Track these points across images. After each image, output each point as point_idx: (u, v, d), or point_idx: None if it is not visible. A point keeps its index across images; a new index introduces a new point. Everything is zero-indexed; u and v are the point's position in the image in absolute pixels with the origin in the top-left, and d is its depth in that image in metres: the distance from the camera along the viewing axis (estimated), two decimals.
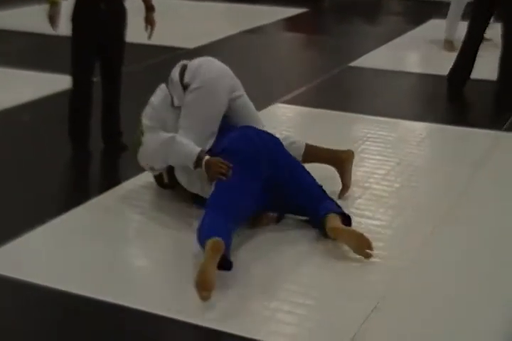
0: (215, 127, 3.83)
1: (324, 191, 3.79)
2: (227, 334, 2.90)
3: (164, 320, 2.99)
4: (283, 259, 3.47)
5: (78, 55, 4.56)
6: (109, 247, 3.57)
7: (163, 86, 3.97)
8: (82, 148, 4.69)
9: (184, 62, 4.00)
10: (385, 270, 3.38)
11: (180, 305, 3.07)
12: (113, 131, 4.80)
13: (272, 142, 3.80)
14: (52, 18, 4.48)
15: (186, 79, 3.86)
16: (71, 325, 3.02)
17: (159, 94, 3.95)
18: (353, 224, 3.80)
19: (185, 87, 3.86)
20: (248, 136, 3.74)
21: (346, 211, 3.72)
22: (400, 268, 3.40)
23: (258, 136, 3.76)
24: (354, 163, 4.45)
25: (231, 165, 3.55)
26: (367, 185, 4.32)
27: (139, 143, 3.93)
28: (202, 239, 3.22)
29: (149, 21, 4.69)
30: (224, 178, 3.52)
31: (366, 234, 3.54)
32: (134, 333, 2.95)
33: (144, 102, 4.05)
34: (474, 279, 3.34)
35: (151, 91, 4.05)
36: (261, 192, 3.59)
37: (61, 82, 5.29)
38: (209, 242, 3.09)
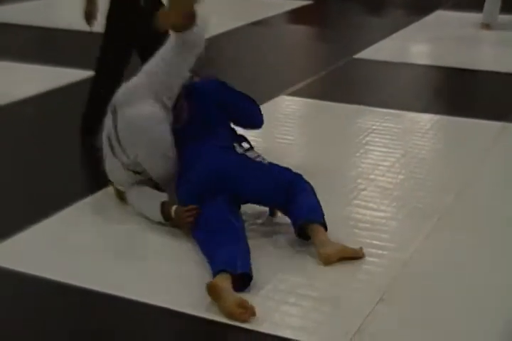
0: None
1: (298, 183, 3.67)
2: (232, 326, 2.90)
3: (165, 311, 3.00)
4: (286, 251, 3.46)
5: (115, 50, 4.49)
6: (115, 240, 3.58)
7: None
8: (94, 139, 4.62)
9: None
10: (390, 262, 3.38)
11: (183, 298, 3.07)
12: None
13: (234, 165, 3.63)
14: (89, 15, 4.39)
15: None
16: (76, 317, 3.03)
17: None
18: (358, 216, 3.82)
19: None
20: (208, 167, 3.59)
21: (350, 205, 3.70)
22: (405, 259, 3.40)
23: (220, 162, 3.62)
24: (359, 154, 4.45)
25: (196, 208, 3.48)
26: (372, 177, 4.31)
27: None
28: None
29: (161, 17, 4.64)
30: (193, 224, 3.45)
31: (370, 226, 3.54)
32: (133, 323, 2.96)
33: None
34: (479, 271, 3.33)
35: None
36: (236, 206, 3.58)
37: (65, 76, 5.30)
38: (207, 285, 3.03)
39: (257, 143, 4.77)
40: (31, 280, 3.22)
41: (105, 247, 3.53)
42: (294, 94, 5.93)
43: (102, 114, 4.16)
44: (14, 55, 6.68)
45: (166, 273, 3.30)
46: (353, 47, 7.49)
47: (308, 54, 7.71)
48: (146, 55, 4.46)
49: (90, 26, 4.41)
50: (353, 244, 3.47)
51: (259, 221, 3.75)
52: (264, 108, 5.39)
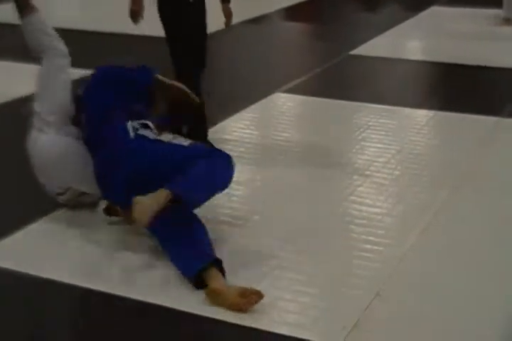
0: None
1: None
2: (229, 323, 2.92)
3: (163, 309, 3.01)
4: (281, 248, 3.48)
5: (183, 45, 4.39)
6: (112, 238, 3.59)
7: None
8: None
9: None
10: (386, 257, 3.40)
11: (179, 295, 3.09)
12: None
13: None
14: (135, 13, 4.38)
15: None
16: (78, 316, 3.05)
17: None
18: (354, 212, 3.83)
19: None
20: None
21: (346, 201, 3.71)
22: (401, 255, 3.41)
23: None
24: (355, 150, 4.46)
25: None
26: (368, 173, 4.33)
27: None
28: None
29: (226, 12, 4.65)
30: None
31: (366, 222, 3.56)
32: (138, 324, 2.98)
33: None
34: (474, 266, 3.35)
35: None
36: None
37: None
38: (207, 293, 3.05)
39: (253, 140, 4.82)
40: (30, 279, 3.24)
41: (101, 244, 3.54)
42: (289, 91, 5.94)
43: None
44: (15, 55, 6.66)
45: (163, 272, 3.31)
46: (349, 43, 7.50)
47: (304, 51, 7.72)
48: (192, 49, 4.45)
49: (135, 24, 4.40)
50: (349, 240, 3.49)
51: (256, 217, 3.78)
52: (260, 105, 5.46)
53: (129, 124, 3.54)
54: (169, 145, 3.48)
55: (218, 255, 3.21)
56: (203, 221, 3.42)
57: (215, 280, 3.06)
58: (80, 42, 7.50)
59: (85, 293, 3.14)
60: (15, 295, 3.18)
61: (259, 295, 2.97)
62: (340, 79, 6.44)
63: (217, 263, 3.15)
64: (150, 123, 3.63)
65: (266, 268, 3.29)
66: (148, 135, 3.54)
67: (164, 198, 3.14)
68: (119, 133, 3.52)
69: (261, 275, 3.24)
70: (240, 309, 2.94)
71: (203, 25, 4.51)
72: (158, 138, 3.53)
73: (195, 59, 4.45)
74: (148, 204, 3.12)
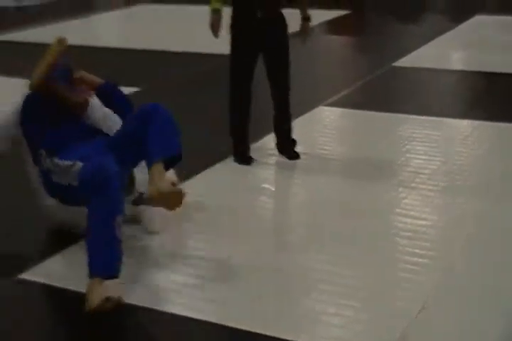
0: None
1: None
2: (274, 338, 2.91)
3: (194, 321, 3.01)
4: (327, 260, 3.48)
5: (237, 62, 4.54)
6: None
7: None
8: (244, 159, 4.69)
9: None
10: (431, 270, 3.37)
11: (230, 311, 3.11)
12: (286, 139, 4.76)
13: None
14: (214, 26, 4.51)
15: None
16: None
17: None
18: (399, 224, 3.82)
19: None
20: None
21: (391, 214, 3.70)
22: (446, 268, 3.38)
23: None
24: (400, 162, 4.45)
25: None
26: (413, 185, 4.31)
27: None
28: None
29: (304, 30, 4.73)
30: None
31: (411, 234, 3.54)
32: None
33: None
34: None
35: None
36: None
37: None
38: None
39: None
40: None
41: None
42: (333, 104, 5.95)
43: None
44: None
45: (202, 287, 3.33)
46: (392, 55, 7.49)
47: (347, 64, 7.73)
48: (273, 74, 4.58)
49: (215, 37, 4.52)
50: (394, 253, 3.48)
51: (300, 230, 3.78)
52: (304, 119, 5.47)
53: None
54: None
55: (264, 265, 3.21)
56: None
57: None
58: (120, 60, 7.63)
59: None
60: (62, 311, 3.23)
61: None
62: (384, 91, 6.43)
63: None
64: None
65: (310, 282, 3.30)
66: None
67: (163, 170, 3.31)
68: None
69: (305, 288, 3.24)
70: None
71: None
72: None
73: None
74: (174, 189, 3.27)
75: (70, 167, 3.50)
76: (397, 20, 9.72)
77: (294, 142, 4.76)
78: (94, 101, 3.78)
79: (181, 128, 3.51)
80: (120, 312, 3.04)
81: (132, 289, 3.21)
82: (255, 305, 3.12)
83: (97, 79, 4.00)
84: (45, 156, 3.64)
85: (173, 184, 3.33)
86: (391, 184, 4.34)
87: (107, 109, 3.80)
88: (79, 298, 3.08)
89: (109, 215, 3.16)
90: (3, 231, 3.84)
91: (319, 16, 9.71)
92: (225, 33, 4.54)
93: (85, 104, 3.72)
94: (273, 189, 4.43)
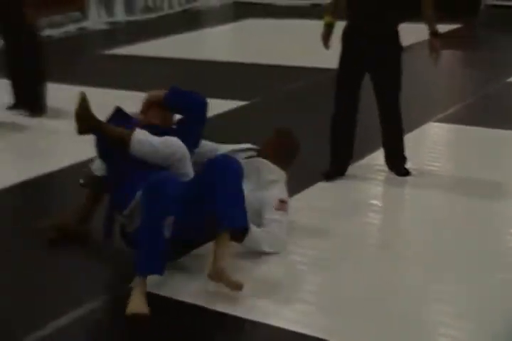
0: None
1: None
2: None
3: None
4: (439, 279, 3.39)
5: (343, 78, 4.51)
6: None
7: None
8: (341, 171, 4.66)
9: None
10: None
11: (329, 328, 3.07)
12: (397, 156, 4.67)
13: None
14: (324, 38, 4.56)
15: None
16: None
17: None
18: None
19: None
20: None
21: (508, 235, 3.58)
22: None
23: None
24: None
25: None
26: None
27: None
28: None
29: (432, 46, 4.49)
30: None
31: None
32: None
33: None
34: None
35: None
36: None
37: (218, 107, 5.39)
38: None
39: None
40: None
41: None
42: (443, 120, 5.83)
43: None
44: (165, 88, 6.87)
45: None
46: (506, 70, 7.29)
47: (458, 79, 7.57)
48: (381, 93, 4.52)
49: (326, 49, 4.56)
50: (509, 274, 3.37)
51: (413, 248, 3.71)
52: (413, 135, 5.37)
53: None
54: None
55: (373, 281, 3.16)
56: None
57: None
58: (232, 74, 7.71)
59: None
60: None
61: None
62: (497, 108, 6.25)
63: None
64: None
65: (425, 301, 3.22)
66: None
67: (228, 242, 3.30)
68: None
69: (417, 306, 3.18)
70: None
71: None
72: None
73: None
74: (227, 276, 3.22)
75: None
76: (510, 33, 9.47)
77: (404, 159, 4.67)
78: (139, 135, 3.62)
79: None
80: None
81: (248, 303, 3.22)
82: (359, 323, 3.07)
83: (162, 93, 3.91)
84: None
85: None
86: (506, 204, 4.21)
87: (156, 141, 3.60)
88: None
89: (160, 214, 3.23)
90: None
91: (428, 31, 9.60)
92: (335, 45, 4.50)
93: (127, 140, 3.57)
94: (381, 205, 4.37)
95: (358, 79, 4.49)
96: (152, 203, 3.24)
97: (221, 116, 5.88)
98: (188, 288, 3.33)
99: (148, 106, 3.88)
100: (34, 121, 6.08)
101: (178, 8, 12.52)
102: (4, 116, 6.19)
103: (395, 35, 4.45)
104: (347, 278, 3.43)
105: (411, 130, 5.44)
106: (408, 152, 4.69)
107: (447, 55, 8.75)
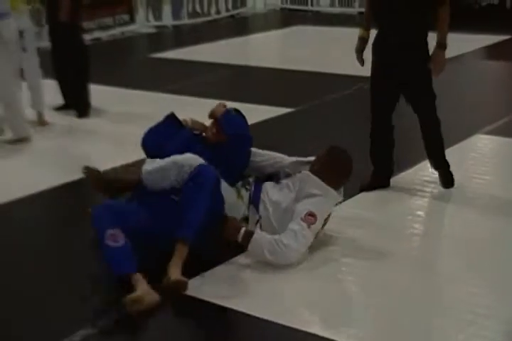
0: None
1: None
2: None
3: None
4: (486, 295, 3.33)
5: (376, 90, 4.47)
6: None
7: None
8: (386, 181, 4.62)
9: None
10: None
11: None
12: (441, 164, 4.58)
13: None
14: (358, 52, 4.48)
15: None
16: None
17: None
18: None
19: None
20: None
21: None
22: None
23: None
24: None
25: None
26: None
27: None
28: None
29: (435, 59, 4.31)
30: None
31: None
32: None
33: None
34: None
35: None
36: None
37: (262, 113, 5.37)
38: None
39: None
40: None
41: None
42: (491, 132, 5.72)
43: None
44: (210, 93, 6.87)
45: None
46: None
47: (507, 90, 7.44)
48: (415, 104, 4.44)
49: (361, 65, 4.52)
50: None
51: (457, 263, 3.64)
52: (460, 147, 5.28)
53: None
54: None
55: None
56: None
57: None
58: (277, 80, 7.69)
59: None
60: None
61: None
62: None
63: None
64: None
65: (471, 316, 3.16)
66: None
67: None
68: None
69: (465, 323, 3.12)
70: None
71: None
72: None
73: None
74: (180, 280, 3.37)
75: None
76: None
77: (447, 166, 4.55)
78: (146, 166, 3.76)
79: None
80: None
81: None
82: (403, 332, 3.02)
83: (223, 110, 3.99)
84: None
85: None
86: None
87: (161, 161, 3.73)
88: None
89: None
90: None
91: (476, 42, 9.51)
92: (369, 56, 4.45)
93: (133, 183, 3.76)
94: (425, 217, 4.31)
95: (392, 93, 4.41)
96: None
97: (265, 123, 5.85)
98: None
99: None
100: (79, 122, 6.12)
101: (225, 14, 12.57)
102: (52, 116, 6.25)
103: (423, 44, 4.31)
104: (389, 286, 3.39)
105: (458, 141, 5.36)
106: (454, 164, 4.60)
107: (497, 67, 8.66)
